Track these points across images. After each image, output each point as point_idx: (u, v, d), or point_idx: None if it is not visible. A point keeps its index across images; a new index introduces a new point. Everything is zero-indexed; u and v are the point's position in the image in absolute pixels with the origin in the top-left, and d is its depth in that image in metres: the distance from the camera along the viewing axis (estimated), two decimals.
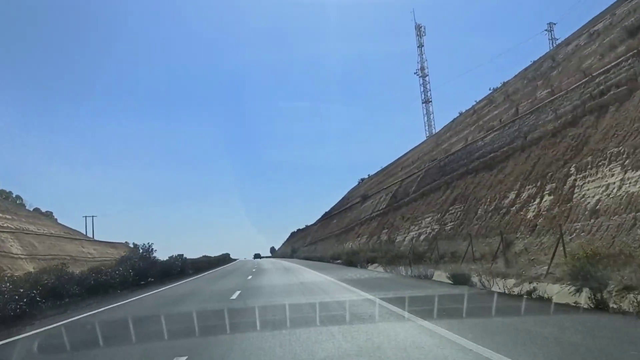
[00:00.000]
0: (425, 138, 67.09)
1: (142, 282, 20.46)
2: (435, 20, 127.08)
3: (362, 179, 78.47)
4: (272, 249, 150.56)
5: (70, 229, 76.34)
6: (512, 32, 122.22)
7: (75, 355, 6.38)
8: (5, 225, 41.56)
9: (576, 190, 12.97)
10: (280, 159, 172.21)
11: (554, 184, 14.43)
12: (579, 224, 11.90)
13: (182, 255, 54.29)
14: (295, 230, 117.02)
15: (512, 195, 17.22)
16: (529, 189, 16.11)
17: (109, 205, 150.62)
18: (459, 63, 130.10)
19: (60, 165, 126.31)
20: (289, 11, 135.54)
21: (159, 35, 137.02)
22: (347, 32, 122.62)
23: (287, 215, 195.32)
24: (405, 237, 27.75)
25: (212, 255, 66.65)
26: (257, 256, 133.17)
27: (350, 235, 48.15)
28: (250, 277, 23.20)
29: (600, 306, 7.48)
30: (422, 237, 24.66)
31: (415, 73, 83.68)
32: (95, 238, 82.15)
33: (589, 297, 7.66)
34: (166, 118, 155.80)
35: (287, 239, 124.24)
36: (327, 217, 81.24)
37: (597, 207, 11.49)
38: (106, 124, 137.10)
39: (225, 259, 72.90)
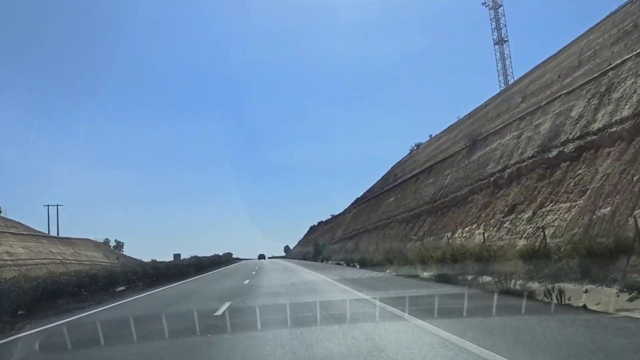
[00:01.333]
0: (500, 89, 47.83)
1: None
2: None
3: (418, 144, 52.27)
4: (287, 248, 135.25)
5: (15, 222, 52.35)
6: None
7: None
8: None
9: None
10: (288, 160, 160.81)
11: None
12: None
13: (179, 255, 46.14)
14: (316, 224, 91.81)
15: None
16: None
17: (110, 207, 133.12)
18: None
19: (59, 164, 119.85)
20: (295, 11, 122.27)
21: (162, 36, 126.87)
22: (356, 32, 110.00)
23: (298, 213, 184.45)
24: None
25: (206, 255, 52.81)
26: (261, 257, 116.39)
27: (452, 216, 22.53)
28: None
29: None
30: None
31: (483, 4, 61.61)
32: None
33: None
34: (172, 119, 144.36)
35: (306, 235, 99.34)
36: (369, 197, 55.14)
37: None
38: (109, 125, 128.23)
39: (220, 261, 54.61)
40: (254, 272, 26.84)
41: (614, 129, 13.17)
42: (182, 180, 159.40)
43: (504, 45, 61.46)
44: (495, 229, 16.92)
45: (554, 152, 15.79)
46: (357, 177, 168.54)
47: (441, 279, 14.25)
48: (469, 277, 13.41)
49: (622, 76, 14.65)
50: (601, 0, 69.33)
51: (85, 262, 46.58)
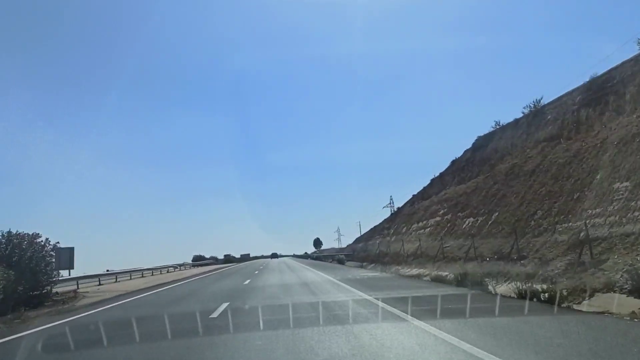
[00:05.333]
0: None
1: None
2: None
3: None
4: (317, 242, 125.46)
5: None
6: None
7: None
8: None
9: None
10: (297, 160, 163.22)
11: None
12: None
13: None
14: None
15: None
16: None
17: (118, 208, 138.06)
18: None
19: (59, 163, 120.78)
20: (301, 9, 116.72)
21: (168, 35, 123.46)
22: (367, 31, 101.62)
23: (314, 210, 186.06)
24: None
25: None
26: (274, 256, 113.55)
27: None
28: None
29: None
30: None
31: None
32: None
33: None
34: (175, 119, 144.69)
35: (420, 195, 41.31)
36: None
37: None
38: (110, 125, 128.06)
39: None
40: None
41: None
42: (190, 180, 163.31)
43: None
44: None
45: None
46: (373, 177, 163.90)
47: None
48: None
49: None
50: None
51: None
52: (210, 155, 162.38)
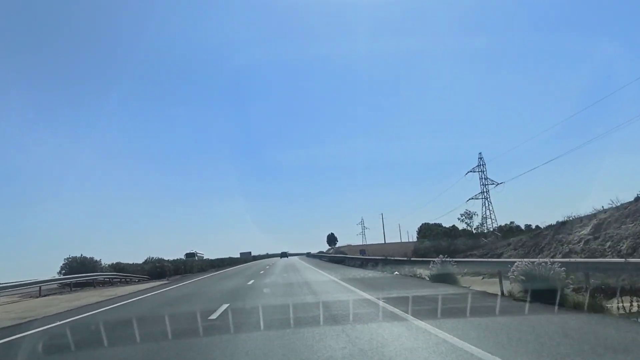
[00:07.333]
0: None
1: None
2: None
3: None
4: (331, 238, 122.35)
5: None
6: None
7: None
8: None
9: None
10: (299, 160, 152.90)
11: None
12: None
13: None
14: None
15: None
16: None
17: (117, 208, 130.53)
18: None
19: (58, 163, 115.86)
20: (303, 6, 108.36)
21: (169, 32, 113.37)
22: (372, 29, 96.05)
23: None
24: None
25: None
26: (284, 255, 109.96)
27: None
28: None
29: None
30: None
31: None
32: None
33: None
34: (184, 118, 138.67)
35: None
36: None
37: None
38: (109, 124, 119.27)
39: None
40: None
41: None
42: (194, 179, 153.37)
43: None
44: None
45: None
46: (378, 177, 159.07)
47: None
48: None
49: None
50: None
51: None
52: (213, 154, 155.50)
